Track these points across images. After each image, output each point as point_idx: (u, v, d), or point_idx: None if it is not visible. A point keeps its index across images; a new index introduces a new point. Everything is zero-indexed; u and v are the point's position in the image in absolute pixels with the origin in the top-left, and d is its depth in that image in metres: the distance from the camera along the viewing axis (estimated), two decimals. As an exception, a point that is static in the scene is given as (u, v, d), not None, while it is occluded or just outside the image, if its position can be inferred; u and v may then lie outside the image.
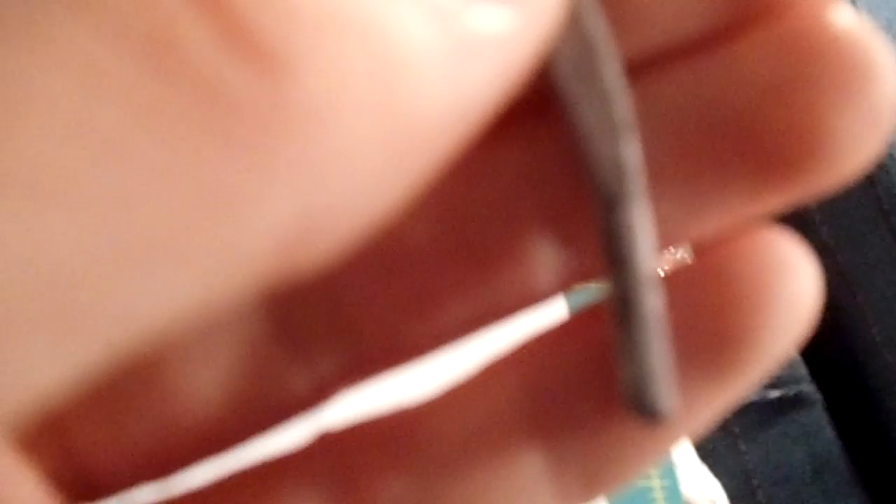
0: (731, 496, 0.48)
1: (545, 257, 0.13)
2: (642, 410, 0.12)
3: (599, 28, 0.12)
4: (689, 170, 0.13)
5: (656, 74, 0.13)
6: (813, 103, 0.12)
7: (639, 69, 0.13)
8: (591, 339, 0.13)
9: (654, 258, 0.12)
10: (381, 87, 0.09)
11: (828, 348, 0.58)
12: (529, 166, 0.13)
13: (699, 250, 0.13)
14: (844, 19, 0.12)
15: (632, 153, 0.12)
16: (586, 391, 0.13)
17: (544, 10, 0.11)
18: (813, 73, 0.12)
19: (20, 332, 0.07)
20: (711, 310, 0.12)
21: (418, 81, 0.09)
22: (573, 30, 0.12)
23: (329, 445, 0.14)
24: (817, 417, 0.59)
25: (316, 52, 0.08)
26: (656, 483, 0.41)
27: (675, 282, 0.13)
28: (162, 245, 0.08)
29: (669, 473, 0.41)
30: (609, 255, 0.12)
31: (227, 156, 0.08)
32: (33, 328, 0.07)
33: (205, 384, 0.13)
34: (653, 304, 0.12)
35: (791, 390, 0.57)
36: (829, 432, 0.58)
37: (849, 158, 0.12)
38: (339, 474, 0.13)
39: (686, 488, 0.45)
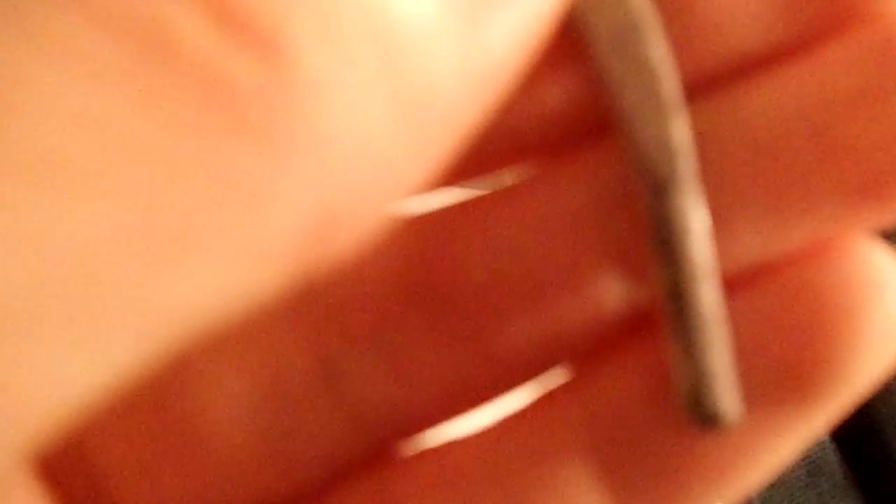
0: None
1: (610, 292, 0.12)
2: (701, 416, 0.11)
3: (640, 1, 0.11)
4: (771, 187, 0.12)
5: (730, 89, 0.12)
6: None
7: (712, 83, 0.12)
8: (653, 358, 0.12)
9: (709, 247, 0.11)
10: (386, 60, 0.08)
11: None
12: (591, 197, 0.12)
13: (784, 262, 0.12)
14: None
15: (681, 133, 0.11)
16: (651, 413, 0.12)
17: None
18: None
19: (44, 331, 0.07)
20: (797, 328, 0.11)
21: (425, 50, 0.09)
22: (612, 3, 0.11)
23: (377, 482, 0.12)
24: (810, 421, 0.59)
25: (314, 32, 0.08)
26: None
27: (758, 295, 0.12)
28: (184, 233, 0.08)
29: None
30: (658, 244, 0.11)
31: (236, 142, 0.08)
32: (58, 326, 0.07)
33: (240, 433, 0.12)
34: (708, 297, 0.11)
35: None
36: (823, 437, 0.58)
37: None
38: None
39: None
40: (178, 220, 0.08)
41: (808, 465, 0.57)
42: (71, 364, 0.08)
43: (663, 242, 0.11)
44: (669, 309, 0.11)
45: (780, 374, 0.12)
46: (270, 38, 0.08)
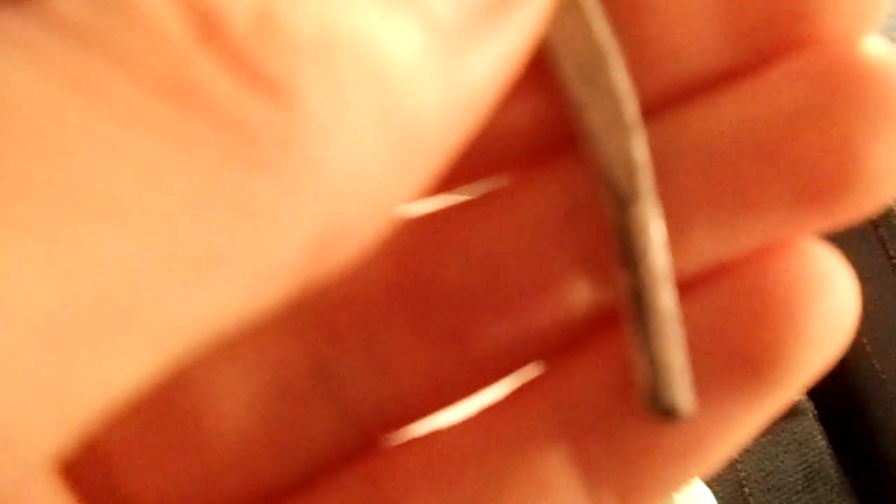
0: (723, 505, 0.48)
1: (578, 294, 0.13)
2: (658, 409, 0.12)
3: (604, 29, 0.12)
4: (722, 197, 0.13)
5: (683, 108, 0.13)
6: (847, 129, 0.12)
7: (667, 102, 0.13)
8: (618, 354, 0.13)
9: (666, 255, 0.12)
10: (379, 99, 0.09)
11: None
12: (560, 206, 0.13)
13: (736, 263, 0.13)
14: (876, 49, 0.12)
15: (641, 152, 0.12)
16: (617, 404, 0.13)
17: (533, 8, 0.11)
18: (846, 100, 0.12)
19: (92, 342, 0.08)
20: (746, 324, 0.13)
21: (414, 88, 0.10)
22: (579, 31, 0.12)
23: (366, 470, 0.14)
24: (808, 426, 0.59)
25: (316, 75, 0.09)
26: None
27: (712, 294, 0.13)
28: (207, 256, 0.09)
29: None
30: (621, 252, 0.12)
31: (251, 176, 0.09)
32: (103, 337, 0.08)
33: (242, 428, 0.14)
34: (666, 300, 0.12)
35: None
36: (820, 441, 0.58)
37: (884, 185, 0.12)
38: (378, 500, 0.13)
39: (678, 497, 0.45)
40: (202, 245, 0.09)
41: (806, 470, 0.57)
42: (105, 371, 0.09)
43: (625, 250, 0.12)
44: (630, 311, 0.12)
45: (732, 366, 0.13)
46: (279, 85, 0.09)
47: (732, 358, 0.13)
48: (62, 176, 0.08)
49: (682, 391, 0.12)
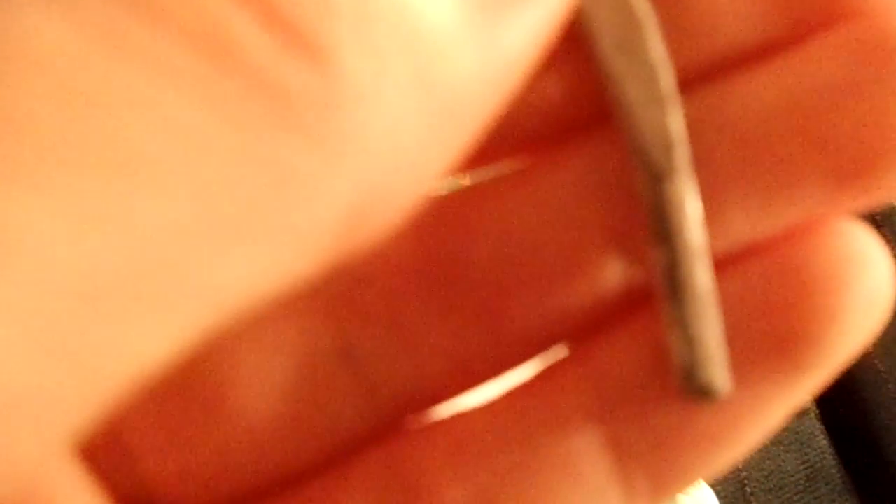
0: (725, 504, 0.48)
1: (610, 272, 0.13)
2: (694, 389, 0.12)
3: (641, 2, 0.12)
4: (759, 174, 0.12)
5: (723, 81, 0.13)
6: (889, 105, 0.12)
7: (705, 76, 0.13)
8: (652, 333, 0.13)
9: (702, 231, 0.12)
10: (416, 64, 0.09)
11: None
12: (591, 182, 0.13)
13: (772, 241, 0.13)
14: None
15: (677, 125, 0.12)
16: (651, 385, 0.13)
17: None
18: (888, 74, 0.12)
19: (128, 306, 0.08)
20: (784, 304, 0.12)
21: (450, 54, 0.10)
22: (615, 4, 0.12)
23: (390, 452, 0.13)
24: (810, 426, 0.59)
25: (355, 40, 0.09)
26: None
27: (747, 274, 0.13)
28: (245, 221, 0.09)
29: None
30: (656, 228, 0.12)
31: (288, 139, 0.09)
32: (139, 302, 0.08)
33: (266, 407, 0.13)
34: (702, 278, 0.12)
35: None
36: (822, 441, 0.58)
37: None
38: (401, 482, 0.13)
39: (681, 497, 0.45)
40: (238, 210, 0.09)
41: (807, 470, 0.57)
42: (143, 337, 0.08)
43: (659, 227, 0.12)
44: (665, 289, 0.12)
45: (768, 347, 0.12)
46: (318, 48, 0.09)
47: (768, 338, 0.12)
48: (96, 133, 0.08)
49: (718, 371, 0.12)
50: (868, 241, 0.12)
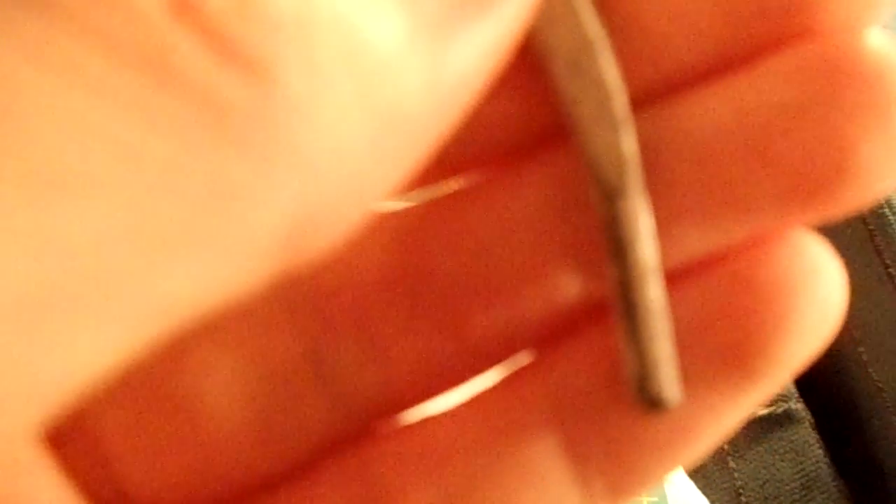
0: (720, 513, 0.48)
1: (569, 285, 0.13)
2: (646, 399, 0.12)
3: (594, 21, 0.12)
4: (712, 191, 0.13)
5: (674, 100, 0.13)
6: (840, 124, 0.12)
7: (658, 96, 0.13)
8: (609, 343, 0.13)
9: (654, 248, 0.13)
10: (360, 81, 0.09)
11: (815, 366, 0.58)
12: (551, 197, 0.13)
13: (725, 255, 0.13)
14: (877, 42, 0.12)
15: (629, 145, 0.12)
16: (607, 393, 0.13)
17: None
18: (841, 93, 0.12)
19: (64, 321, 0.08)
20: (735, 315, 0.13)
21: (396, 73, 0.10)
22: (567, 22, 0.12)
23: (358, 458, 0.14)
24: (805, 435, 0.59)
25: (294, 54, 0.09)
26: (644, 500, 0.41)
27: (700, 286, 0.13)
28: (182, 235, 0.09)
29: (658, 490, 0.41)
30: (610, 245, 0.13)
31: (226, 153, 0.09)
32: (75, 316, 0.08)
33: (236, 415, 0.14)
34: (654, 293, 0.12)
35: (779, 408, 0.57)
36: (817, 450, 0.58)
37: (877, 181, 0.12)
38: (369, 488, 0.13)
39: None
40: (173, 223, 0.09)
41: (802, 479, 0.57)
42: (78, 348, 0.09)
43: (613, 243, 0.13)
44: (618, 302, 0.13)
45: (719, 357, 0.13)
46: (256, 62, 0.09)
47: (719, 349, 0.13)
48: (27, 148, 0.08)
49: (668, 382, 0.12)
50: (820, 253, 0.13)
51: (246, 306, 0.13)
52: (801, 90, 0.12)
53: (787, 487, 0.57)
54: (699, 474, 0.51)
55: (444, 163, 0.13)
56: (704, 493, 0.49)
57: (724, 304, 0.13)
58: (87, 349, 0.09)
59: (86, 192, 0.08)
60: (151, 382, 0.13)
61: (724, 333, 0.13)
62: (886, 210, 0.59)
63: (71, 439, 0.13)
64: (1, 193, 0.08)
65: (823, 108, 0.12)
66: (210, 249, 0.09)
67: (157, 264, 0.09)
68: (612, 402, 0.13)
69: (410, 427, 0.14)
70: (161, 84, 0.09)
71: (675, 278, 0.13)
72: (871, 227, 0.58)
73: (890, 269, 0.59)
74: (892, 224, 0.59)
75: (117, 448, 0.13)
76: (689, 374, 0.13)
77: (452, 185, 0.14)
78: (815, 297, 0.12)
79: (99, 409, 0.13)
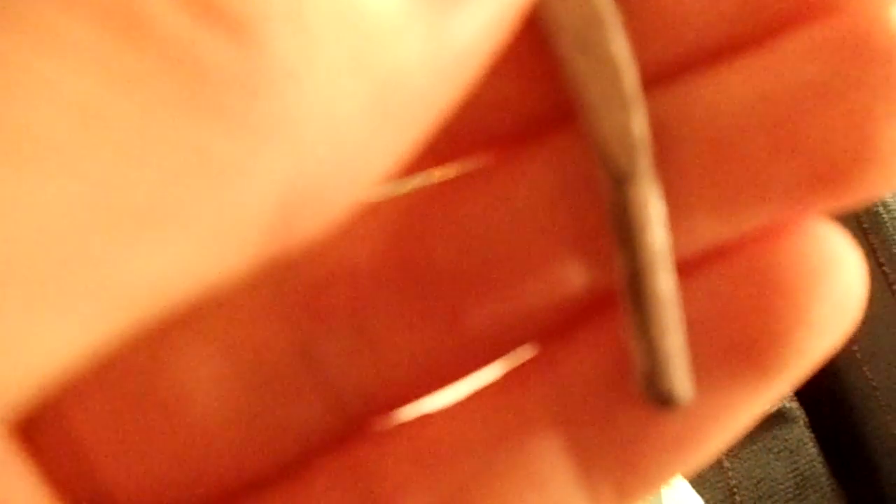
0: (714, 512, 0.48)
1: (573, 276, 0.13)
2: (656, 396, 0.12)
3: None
4: (727, 176, 0.12)
5: (688, 80, 0.12)
6: (862, 107, 0.12)
7: (671, 75, 0.12)
8: (616, 337, 0.13)
9: (666, 236, 0.12)
10: (355, 47, 0.09)
11: (809, 365, 0.58)
12: (555, 183, 0.13)
13: (740, 244, 0.12)
14: None
15: (640, 127, 0.12)
16: (614, 390, 0.12)
17: None
18: (863, 75, 0.12)
19: (21, 306, 0.07)
20: (751, 308, 0.12)
21: (393, 40, 0.09)
22: None
23: (353, 457, 0.13)
24: (799, 434, 0.59)
25: (286, 19, 0.08)
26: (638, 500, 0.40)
27: (713, 277, 0.12)
28: (155, 211, 0.08)
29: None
30: (618, 233, 0.12)
31: (206, 122, 0.08)
32: (34, 300, 0.08)
33: (225, 412, 0.13)
34: (665, 284, 0.12)
35: (773, 406, 0.57)
36: (811, 448, 0.58)
37: None
38: (364, 489, 0.13)
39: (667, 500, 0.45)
40: (145, 197, 0.08)
41: (797, 478, 0.57)
42: (42, 336, 0.08)
43: (622, 230, 0.12)
44: (627, 294, 0.12)
45: (734, 351, 0.12)
46: (243, 24, 0.08)
47: (733, 344, 0.12)
48: None
49: (680, 378, 0.12)
50: (839, 243, 0.12)
51: (233, 296, 0.12)
52: (822, 69, 0.12)
53: (782, 486, 0.56)
54: (693, 473, 0.51)
55: (442, 146, 0.12)
56: (698, 492, 0.49)
57: (739, 296, 0.12)
58: (52, 337, 0.08)
59: (46, 160, 0.07)
60: (132, 375, 0.13)
61: (738, 327, 0.12)
62: (881, 209, 0.58)
63: (47, 436, 0.13)
64: None
65: (846, 88, 0.12)
66: (187, 229, 0.08)
67: (127, 243, 0.08)
68: (619, 400, 0.12)
69: (406, 425, 0.13)
70: (133, 44, 0.08)
71: (687, 269, 0.12)
72: (866, 225, 0.58)
73: (884, 268, 0.59)
74: (886, 223, 0.58)
75: (96, 445, 0.13)
76: (702, 370, 0.12)
77: (451, 170, 0.13)
78: (835, 290, 0.12)
79: (76, 404, 0.13)
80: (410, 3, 0.09)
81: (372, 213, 0.13)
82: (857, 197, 0.12)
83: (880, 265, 0.59)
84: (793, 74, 0.12)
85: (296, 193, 0.09)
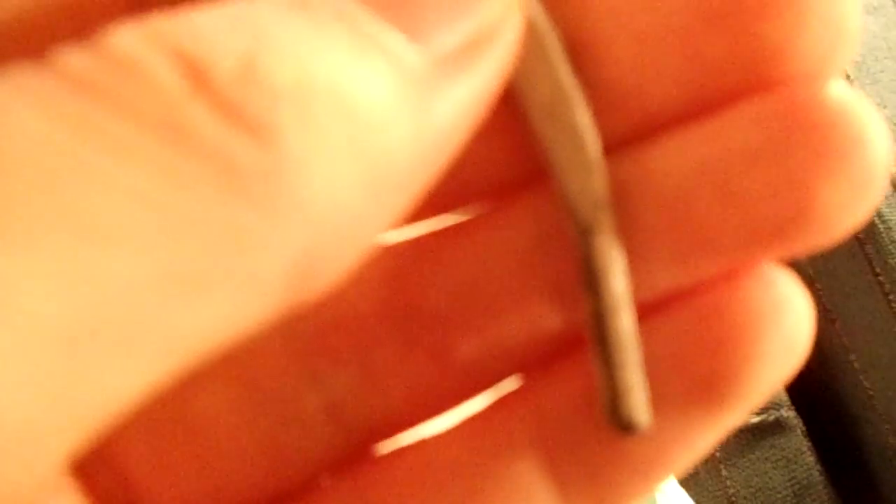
0: (713, 520, 0.49)
1: (549, 315, 0.14)
2: (618, 422, 0.13)
3: (568, 75, 0.13)
4: (680, 231, 0.14)
5: (645, 145, 0.14)
6: (801, 169, 0.13)
7: (626, 141, 0.14)
8: (590, 370, 0.14)
9: (626, 281, 0.13)
10: (353, 138, 0.11)
11: (807, 374, 0.58)
12: (533, 233, 0.14)
13: (696, 288, 0.14)
14: (836, 92, 0.13)
15: (601, 186, 0.13)
16: (587, 418, 0.14)
17: (497, 56, 0.12)
18: (803, 141, 0.13)
19: (98, 352, 0.09)
20: (703, 346, 0.13)
21: (385, 129, 0.11)
22: (544, 78, 0.13)
23: (357, 479, 0.15)
24: (797, 443, 0.59)
25: (295, 118, 0.10)
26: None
27: (672, 318, 0.14)
28: (200, 277, 0.10)
29: (651, 499, 0.41)
30: (585, 278, 0.13)
31: (237, 205, 0.10)
32: (107, 348, 0.10)
33: (244, 434, 0.15)
34: (625, 323, 0.13)
35: (771, 416, 0.58)
36: (808, 458, 0.59)
37: (838, 223, 0.13)
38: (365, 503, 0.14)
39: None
40: (192, 267, 0.10)
41: (794, 487, 0.58)
42: (110, 380, 0.10)
43: (587, 276, 0.13)
44: (592, 332, 0.14)
45: (691, 384, 0.13)
46: (262, 126, 0.10)
47: (690, 378, 0.13)
48: (63, 203, 0.09)
49: (638, 407, 0.13)
50: (788, 287, 0.13)
51: (254, 339, 0.14)
52: (765, 136, 0.13)
53: (779, 495, 0.57)
54: (691, 482, 0.52)
55: (433, 202, 0.13)
56: (697, 501, 0.50)
57: (695, 335, 0.13)
58: (118, 381, 0.10)
59: (116, 241, 0.09)
60: (166, 406, 0.14)
61: (695, 363, 0.13)
62: (876, 220, 0.59)
63: (94, 465, 0.14)
64: (45, 243, 0.09)
65: (785, 154, 0.13)
66: (224, 290, 0.10)
67: (178, 303, 0.10)
68: (591, 426, 0.14)
69: (405, 449, 0.15)
70: (179, 147, 0.10)
71: (648, 311, 0.14)
72: (861, 236, 0.59)
73: (880, 278, 0.59)
74: (881, 234, 0.59)
75: (138, 473, 0.14)
76: (663, 401, 0.13)
77: (442, 221, 0.15)
78: (783, 328, 0.13)
79: (120, 435, 0.14)
80: (399, 93, 0.11)
81: (372, 262, 0.14)
82: (798, 248, 0.13)
83: (876, 275, 0.60)
84: (739, 141, 0.13)
85: (308, 258, 0.11)
